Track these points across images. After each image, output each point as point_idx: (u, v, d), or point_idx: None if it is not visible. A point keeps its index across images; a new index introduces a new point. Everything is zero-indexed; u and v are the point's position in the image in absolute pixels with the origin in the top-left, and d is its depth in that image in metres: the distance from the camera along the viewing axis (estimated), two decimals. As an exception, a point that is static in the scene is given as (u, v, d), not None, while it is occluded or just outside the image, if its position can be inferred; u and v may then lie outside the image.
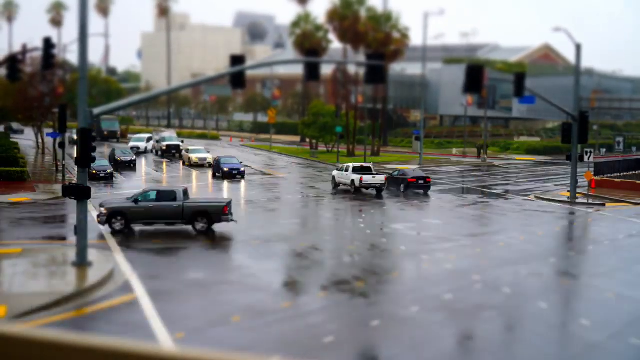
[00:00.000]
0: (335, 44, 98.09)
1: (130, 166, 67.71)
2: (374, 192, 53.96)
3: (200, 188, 54.98)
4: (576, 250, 35.89)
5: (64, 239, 34.39)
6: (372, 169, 55.74)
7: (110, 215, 34.58)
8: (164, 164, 74.89)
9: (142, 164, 72.91)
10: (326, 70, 77.55)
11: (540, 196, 52.87)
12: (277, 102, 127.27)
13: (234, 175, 59.93)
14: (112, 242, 32.99)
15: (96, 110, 28.33)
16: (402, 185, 54.43)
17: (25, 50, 48.67)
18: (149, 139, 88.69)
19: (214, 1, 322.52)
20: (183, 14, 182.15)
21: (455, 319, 22.25)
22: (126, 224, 34.77)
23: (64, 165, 56.82)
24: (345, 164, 57.32)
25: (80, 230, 27.69)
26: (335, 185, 55.87)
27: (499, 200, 51.28)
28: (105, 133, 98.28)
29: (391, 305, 24.19)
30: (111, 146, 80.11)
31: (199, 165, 70.61)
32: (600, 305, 24.52)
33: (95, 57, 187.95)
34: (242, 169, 61.07)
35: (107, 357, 2.36)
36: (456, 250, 33.23)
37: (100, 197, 43.21)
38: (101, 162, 58.26)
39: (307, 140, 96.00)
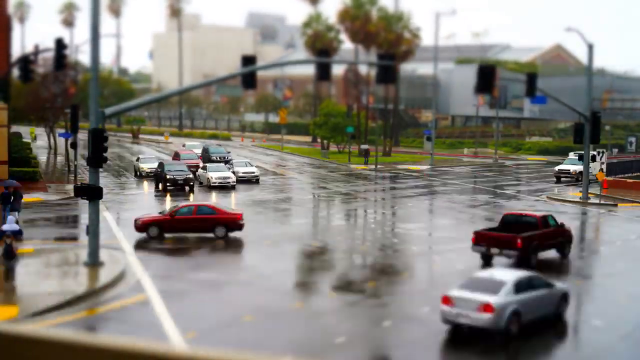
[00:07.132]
0: (347, 44, 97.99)
1: None
2: None
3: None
4: (588, 250, 35.72)
5: (75, 239, 34.50)
6: None
7: None
8: None
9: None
10: (337, 70, 77.30)
11: (552, 196, 52.68)
12: (288, 102, 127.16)
13: None
14: (123, 242, 33.08)
15: (108, 111, 28.44)
16: None
17: (37, 51, 48.88)
18: None
19: (226, 2, 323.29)
20: (194, 15, 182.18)
21: (466, 320, 22.17)
22: None
23: (75, 166, 56.98)
24: None
25: (92, 230, 27.77)
26: None
27: (510, 201, 51.06)
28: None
29: (403, 305, 24.15)
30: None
31: None
32: (613, 305, 24.41)
33: (106, 57, 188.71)
34: None
35: (118, 357, 2.36)
36: (468, 250, 33.12)
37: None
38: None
39: (319, 140, 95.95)
